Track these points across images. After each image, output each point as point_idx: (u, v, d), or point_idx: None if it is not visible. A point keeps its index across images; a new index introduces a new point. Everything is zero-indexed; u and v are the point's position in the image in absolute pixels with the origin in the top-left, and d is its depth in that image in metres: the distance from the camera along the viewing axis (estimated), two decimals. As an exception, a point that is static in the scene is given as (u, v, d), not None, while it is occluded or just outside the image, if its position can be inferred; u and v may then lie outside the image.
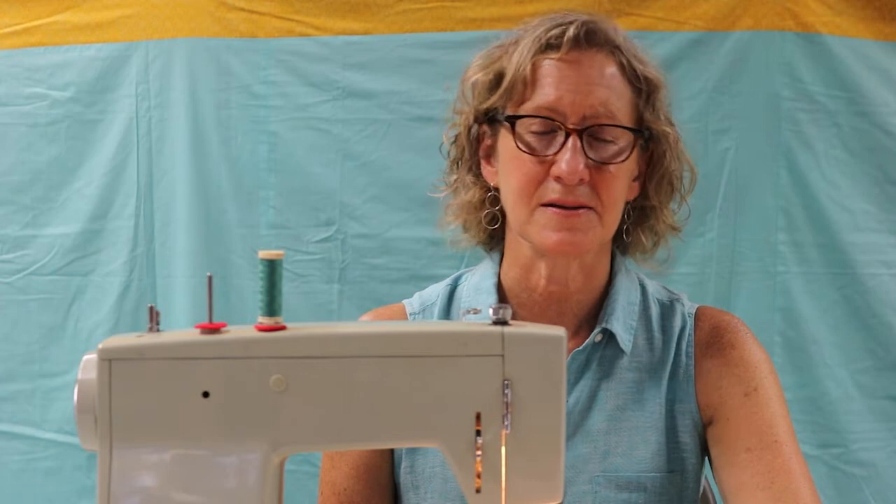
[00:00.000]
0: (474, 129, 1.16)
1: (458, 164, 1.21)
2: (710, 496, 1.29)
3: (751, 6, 2.04)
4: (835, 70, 2.06)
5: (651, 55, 1.15)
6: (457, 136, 1.20)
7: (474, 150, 1.18)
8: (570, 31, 1.09)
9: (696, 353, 1.16)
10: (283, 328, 0.82)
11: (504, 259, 1.20)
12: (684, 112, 1.98)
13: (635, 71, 1.11)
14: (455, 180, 1.21)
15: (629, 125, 1.10)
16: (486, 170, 1.18)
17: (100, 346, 0.80)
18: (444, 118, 1.23)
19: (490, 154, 1.17)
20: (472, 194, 1.19)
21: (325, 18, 2.10)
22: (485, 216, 1.19)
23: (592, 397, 1.14)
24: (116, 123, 2.14)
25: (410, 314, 1.23)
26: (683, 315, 1.19)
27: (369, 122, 2.11)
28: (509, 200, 1.13)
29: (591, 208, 1.08)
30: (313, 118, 2.12)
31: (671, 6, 2.06)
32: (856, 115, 2.07)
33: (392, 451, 1.19)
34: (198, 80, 2.11)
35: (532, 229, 1.10)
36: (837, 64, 2.06)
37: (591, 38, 1.09)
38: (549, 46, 1.09)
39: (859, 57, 2.06)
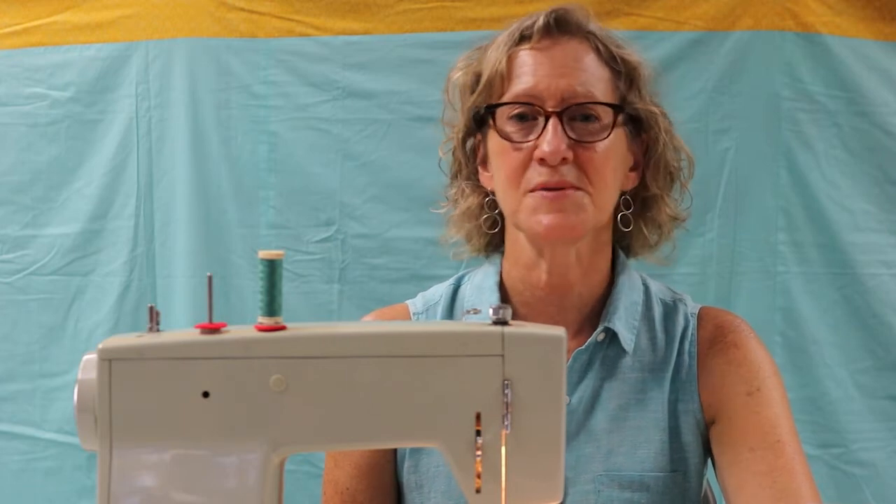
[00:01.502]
0: (469, 141, 1.18)
1: (457, 176, 1.22)
2: (710, 497, 1.29)
3: (751, 6, 2.04)
4: (835, 70, 2.06)
5: (629, 43, 1.16)
6: (452, 150, 1.21)
7: (470, 160, 1.19)
8: (541, 21, 1.10)
9: (699, 353, 1.16)
10: (283, 328, 0.81)
11: (505, 259, 1.20)
12: (684, 112, 1.98)
13: (611, 53, 1.12)
14: (454, 192, 1.22)
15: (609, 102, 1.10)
16: (482, 176, 1.19)
17: (100, 346, 0.80)
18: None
19: (486, 160, 1.18)
20: (470, 201, 1.20)
21: (325, 18, 2.10)
22: (484, 221, 1.19)
23: (595, 397, 1.14)
24: (116, 123, 2.14)
25: (414, 314, 1.23)
26: (686, 315, 1.19)
27: (369, 122, 2.11)
28: (500, 193, 1.13)
29: (579, 188, 1.08)
30: (313, 118, 2.12)
31: (671, 6, 2.06)
32: (856, 115, 2.07)
33: (395, 450, 1.19)
34: (198, 80, 2.11)
35: (522, 216, 1.10)
36: (837, 64, 2.05)
37: (561, 25, 1.11)
38: (521, 38, 1.11)
39: (859, 57, 2.06)
